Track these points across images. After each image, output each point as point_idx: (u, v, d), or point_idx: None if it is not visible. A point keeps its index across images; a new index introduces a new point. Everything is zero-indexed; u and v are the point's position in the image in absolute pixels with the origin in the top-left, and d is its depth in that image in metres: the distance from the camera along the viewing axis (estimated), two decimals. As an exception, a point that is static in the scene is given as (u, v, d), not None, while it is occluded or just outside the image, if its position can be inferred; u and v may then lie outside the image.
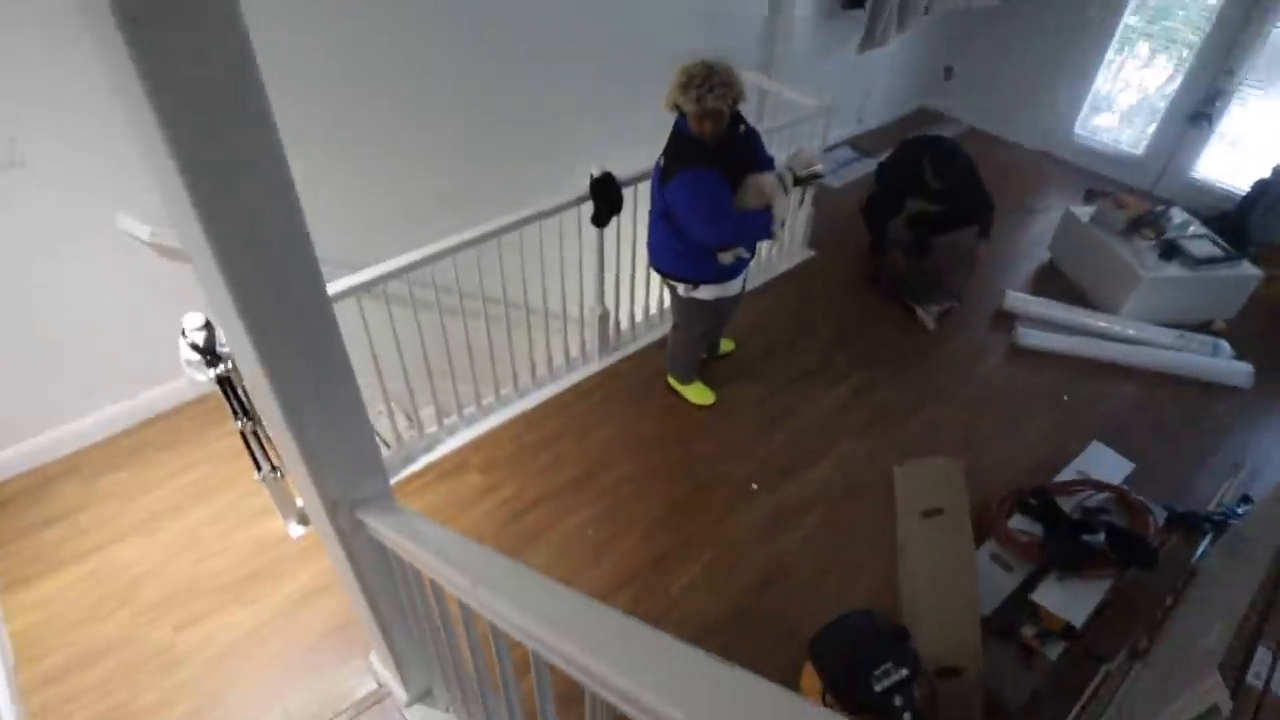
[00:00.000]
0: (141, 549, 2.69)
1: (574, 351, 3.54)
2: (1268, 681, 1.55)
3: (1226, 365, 3.67)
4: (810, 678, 2.21)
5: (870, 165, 4.96)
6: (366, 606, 1.61)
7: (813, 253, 4.39)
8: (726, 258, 2.75)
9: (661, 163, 2.66)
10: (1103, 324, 3.92)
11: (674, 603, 2.59)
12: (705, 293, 2.87)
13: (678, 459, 3.11)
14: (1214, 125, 4.87)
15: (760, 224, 2.64)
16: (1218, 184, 4.95)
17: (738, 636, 2.50)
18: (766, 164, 2.74)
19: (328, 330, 1.15)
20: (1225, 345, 3.76)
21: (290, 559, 2.67)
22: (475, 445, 3.13)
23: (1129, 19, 5.07)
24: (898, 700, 2.01)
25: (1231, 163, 4.92)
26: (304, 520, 2.77)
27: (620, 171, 3.00)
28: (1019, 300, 4.05)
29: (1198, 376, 3.68)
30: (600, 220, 3.07)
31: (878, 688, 2.01)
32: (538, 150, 3.82)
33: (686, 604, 2.59)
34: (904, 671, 2.03)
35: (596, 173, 2.95)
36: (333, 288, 2.37)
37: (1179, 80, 4.92)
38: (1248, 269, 3.89)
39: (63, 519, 2.78)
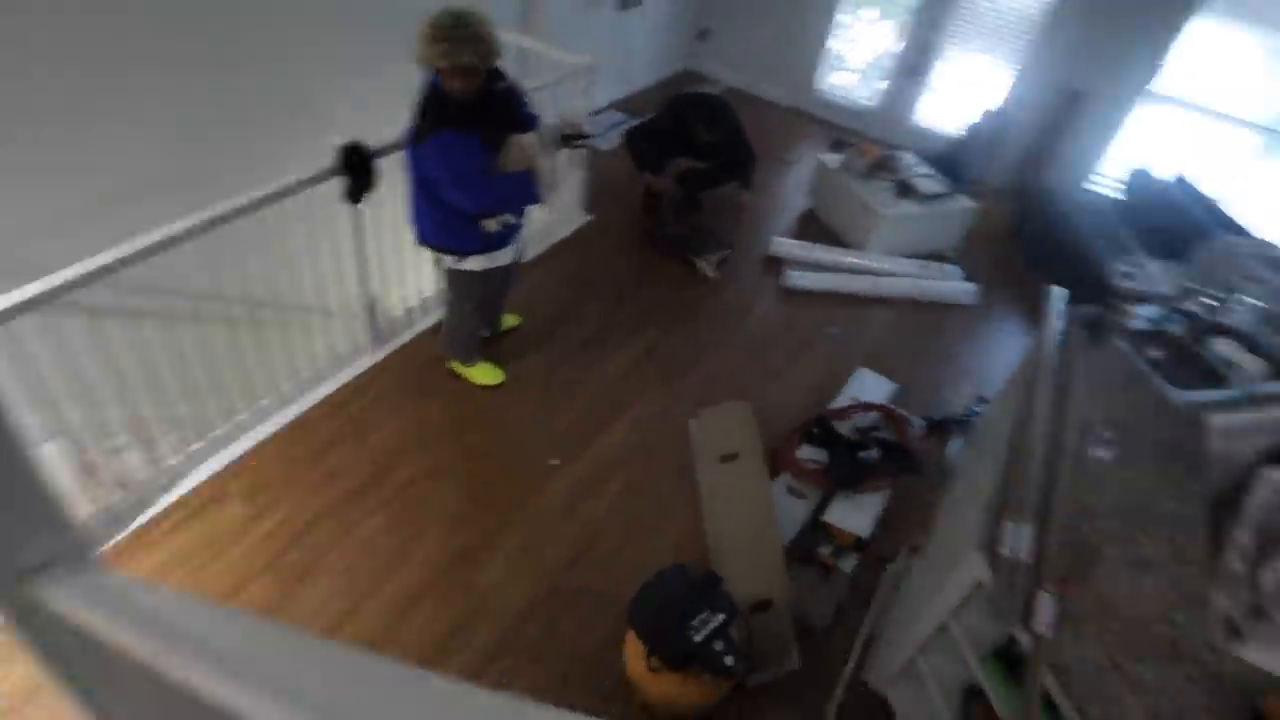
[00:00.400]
0: None
1: (341, 348, 3.20)
2: (1014, 549, 1.71)
3: (956, 287, 4.14)
4: (633, 644, 2.16)
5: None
6: (84, 706, 1.27)
7: (589, 216, 4.33)
8: (492, 225, 2.58)
9: (413, 124, 2.43)
10: (856, 260, 4.25)
11: (482, 597, 2.43)
12: (473, 264, 2.68)
13: (470, 446, 2.92)
14: (929, 78, 5.45)
15: (524, 187, 2.50)
16: (937, 129, 5.56)
17: (555, 617, 2.40)
18: (529, 123, 2.59)
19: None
20: (955, 269, 4.24)
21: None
22: (235, 470, 2.72)
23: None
24: (718, 645, 2.01)
25: (946, 110, 5.55)
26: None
27: (375, 138, 2.71)
28: (784, 245, 4.28)
29: (936, 299, 4.11)
30: (353, 196, 2.76)
31: (697, 638, 1.99)
32: (275, 120, 3.38)
33: (496, 596, 2.44)
34: (720, 617, 2.04)
35: (342, 142, 2.64)
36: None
37: (901, 41, 5.45)
38: (965, 202, 4.39)
39: None
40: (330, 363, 3.14)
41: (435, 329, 3.36)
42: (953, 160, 5.26)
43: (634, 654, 2.16)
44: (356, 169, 2.71)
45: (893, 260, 4.26)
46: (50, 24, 2.55)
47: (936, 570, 2.25)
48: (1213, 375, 2.37)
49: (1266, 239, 4.02)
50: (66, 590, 1.03)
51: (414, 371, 3.19)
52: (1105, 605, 1.60)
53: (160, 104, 2.96)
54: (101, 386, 2.32)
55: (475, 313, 2.95)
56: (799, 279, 4.05)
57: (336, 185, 2.68)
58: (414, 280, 3.40)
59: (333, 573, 2.45)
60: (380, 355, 3.23)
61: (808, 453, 2.96)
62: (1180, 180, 4.59)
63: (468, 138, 2.34)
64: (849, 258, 4.26)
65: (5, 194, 2.59)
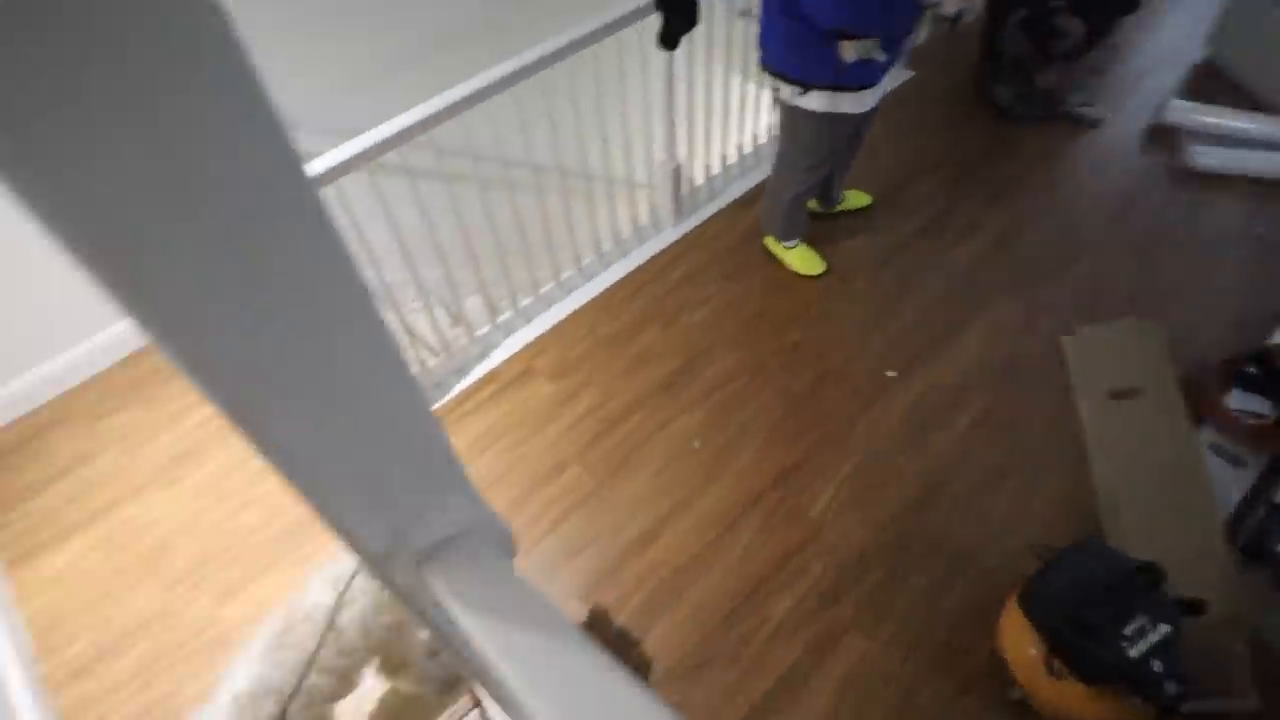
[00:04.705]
0: (162, 504, 2.24)
1: (644, 219, 2.88)
2: None
3: None
4: (1014, 625, 1.73)
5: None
6: (451, 654, 1.08)
7: (910, 73, 3.55)
8: (850, 53, 2.00)
9: None
10: (1298, 132, 3.11)
11: (814, 528, 2.10)
12: (815, 101, 2.15)
13: (790, 345, 2.52)
14: None
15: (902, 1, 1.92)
16: None
17: (900, 567, 2.02)
18: None
19: (318, 246, 0.52)
20: None
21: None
22: (539, 346, 2.57)
23: None
24: (1157, 665, 1.52)
25: None
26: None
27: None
28: (1182, 110, 3.23)
29: None
30: (669, 39, 2.32)
31: (1133, 652, 1.51)
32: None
33: (830, 529, 2.10)
34: (1165, 629, 1.53)
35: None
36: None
37: None
38: None
39: (66, 475, 2.32)
40: (633, 235, 2.84)
41: (745, 202, 2.93)
42: None
43: (1016, 639, 1.73)
44: (676, 6, 2.24)
45: (1354, 133, 3.07)
46: None
47: None
48: None
49: None
50: (447, 578, 0.75)
51: (722, 250, 2.80)
52: None
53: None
54: (418, 247, 2.19)
55: (809, 172, 2.43)
56: (1207, 157, 3.04)
57: (651, 27, 2.26)
58: (721, 146, 2.95)
59: (647, 472, 2.24)
60: (684, 229, 2.87)
61: (1241, 401, 2.21)
62: None
63: None
64: (1285, 128, 3.13)
65: (312, 56, 2.48)
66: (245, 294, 0.45)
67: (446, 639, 0.89)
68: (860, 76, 2.10)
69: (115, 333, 2.56)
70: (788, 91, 2.17)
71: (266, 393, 0.51)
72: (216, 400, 0.49)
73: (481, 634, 0.63)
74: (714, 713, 1.77)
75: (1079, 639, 1.55)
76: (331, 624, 1.28)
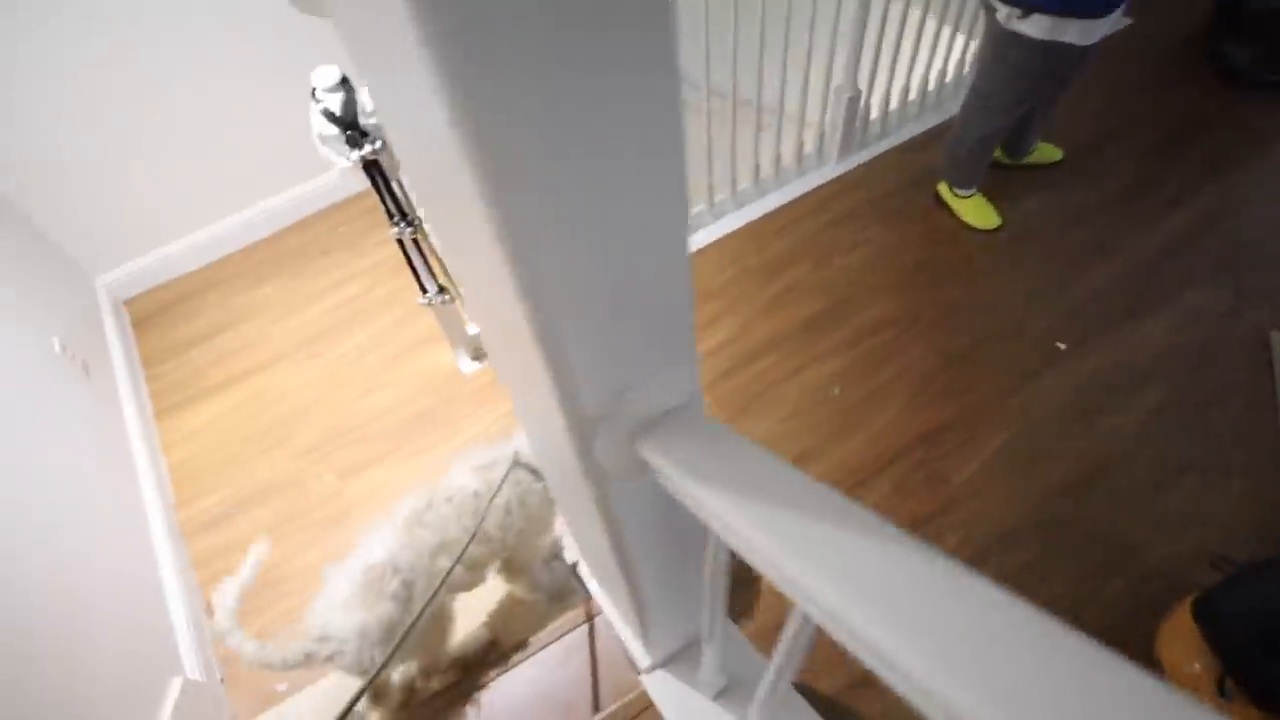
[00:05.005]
0: (298, 376, 2.30)
1: (808, 148, 2.68)
2: None
3: None
4: (1185, 641, 1.53)
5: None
6: (617, 573, 0.97)
7: (1127, 20, 3.14)
8: None
9: None
10: None
11: (953, 498, 1.93)
12: (1035, 27, 1.88)
13: (950, 301, 2.31)
14: None
15: None
16: None
17: (1046, 554, 1.83)
18: None
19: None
20: None
21: (463, 401, 2.20)
22: (682, 269, 2.46)
23: None
24: (1366, 710, 1.31)
25: None
26: (478, 355, 2.27)
27: None
28: None
29: None
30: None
31: (1340, 690, 1.30)
32: None
33: (970, 501, 1.93)
34: (1387, 672, 1.31)
35: None
36: None
37: None
38: None
39: (213, 337, 2.42)
40: (794, 166, 2.66)
41: (917, 145, 2.69)
42: None
43: (1182, 650, 1.54)
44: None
45: None
46: None
47: None
48: None
49: None
50: (672, 454, 0.67)
51: (887, 192, 2.59)
52: None
53: None
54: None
55: (1004, 112, 2.17)
56: None
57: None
58: (905, 79, 2.70)
59: (777, 414, 2.11)
60: (850, 164, 2.66)
61: None
62: None
63: None
64: None
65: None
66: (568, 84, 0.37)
67: (614, 523, 0.81)
68: (1095, 0, 1.83)
69: (269, 207, 2.63)
70: (1004, 13, 1.92)
71: (552, 203, 0.43)
72: (497, 208, 0.41)
73: (736, 509, 0.54)
74: (831, 667, 1.67)
75: (1265, 662, 1.35)
76: (475, 511, 1.24)
